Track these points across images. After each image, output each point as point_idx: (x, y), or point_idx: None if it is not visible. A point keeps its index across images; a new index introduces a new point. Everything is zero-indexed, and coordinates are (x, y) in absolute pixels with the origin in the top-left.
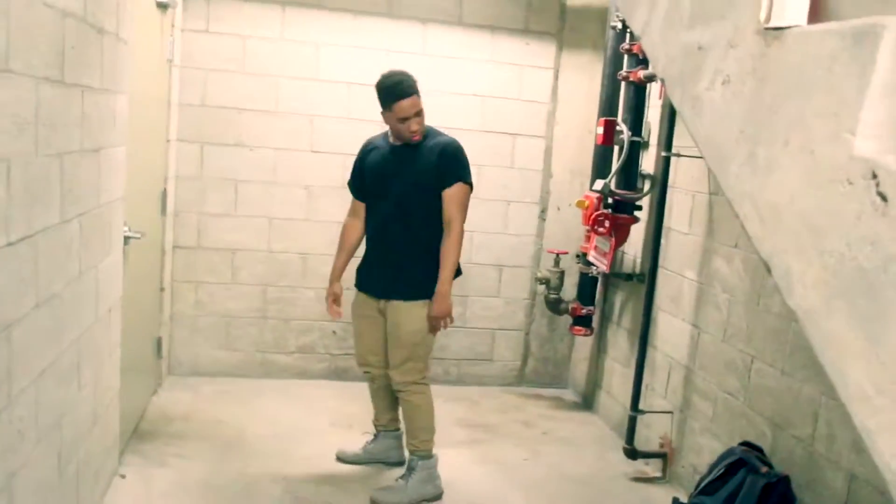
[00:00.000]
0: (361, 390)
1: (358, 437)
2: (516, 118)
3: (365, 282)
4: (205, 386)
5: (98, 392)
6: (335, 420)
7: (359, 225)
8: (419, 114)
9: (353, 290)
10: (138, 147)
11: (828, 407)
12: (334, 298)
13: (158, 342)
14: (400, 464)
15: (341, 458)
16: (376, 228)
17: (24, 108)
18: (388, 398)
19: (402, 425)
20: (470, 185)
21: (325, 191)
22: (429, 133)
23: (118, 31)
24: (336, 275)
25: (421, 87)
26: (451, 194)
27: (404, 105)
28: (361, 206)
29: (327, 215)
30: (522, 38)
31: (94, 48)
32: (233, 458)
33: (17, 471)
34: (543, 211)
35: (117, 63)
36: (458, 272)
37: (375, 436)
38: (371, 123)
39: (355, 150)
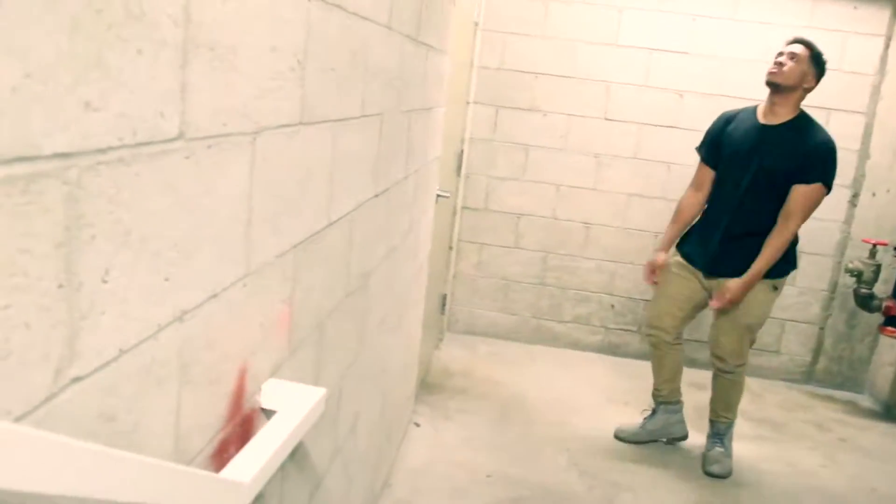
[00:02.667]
0: (636, 367)
1: (635, 416)
2: (833, 91)
3: (697, 254)
4: (480, 345)
5: (408, 343)
6: (611, 395)
7: (700, 199)
8: (794, 58)
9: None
10: (447, 108)
11: None
12: (654, 267)
13: (443, 299)
14: (682, 438)
15: (620, 436)
16: (725, 202)
17: (393, 65)
18: (673, 367)
19: (683, 397)
20: (829, 190)
21: (614, 160)
22: (806, 122)
23: None
24: (666, 245)
25: (728, 54)
26: (805, 191)
27: (789, 42)
28: (707, 177)
29: (615, 185)
30: (850, 2)
31: (436, 7)
32: (514, 420)
33: (360, 411)
34: (855, 196)
35: (447, 23)
36: (794, 264)
37: (654, 411)
38: (669, 93)
39: (651, 119)
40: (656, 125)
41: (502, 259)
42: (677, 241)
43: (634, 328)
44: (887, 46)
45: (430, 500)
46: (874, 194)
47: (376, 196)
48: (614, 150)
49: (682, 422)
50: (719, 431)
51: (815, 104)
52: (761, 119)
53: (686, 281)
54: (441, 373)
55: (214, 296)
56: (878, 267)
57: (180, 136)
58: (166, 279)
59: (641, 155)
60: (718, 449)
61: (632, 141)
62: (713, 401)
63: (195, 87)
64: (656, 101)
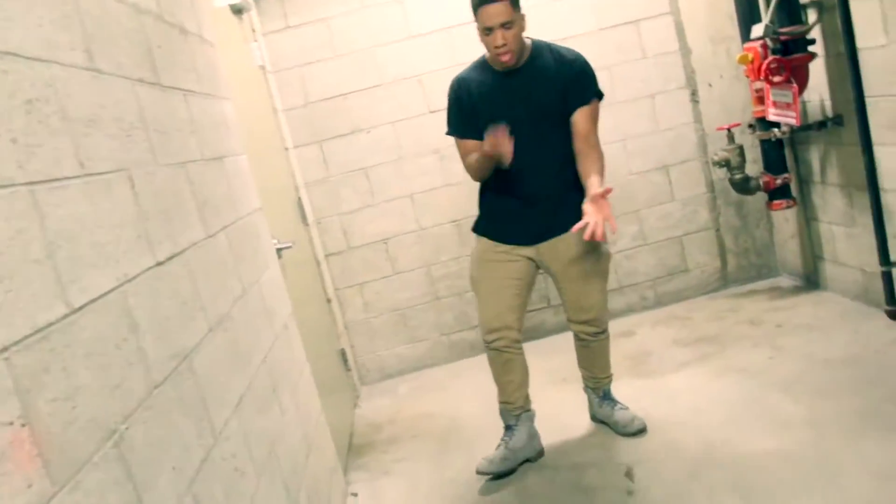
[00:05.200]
0: (557, 342)
1: (576, 390)
2: (625, 3)
3: (511, 231)
4: (400, 386)
5: (301, 415)
6: (546, 378)
7: None
8: (508, 25)
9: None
10: (261, 159)
11: None
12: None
13: (342, 354)
14: (540, 454)
15: (485, 471)
16: (519, 164)
17: (126, 112)
18: (523, 369)
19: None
20: (601, 97)
21: (456, 150)
22: (540, 49)
23: (201, 32)
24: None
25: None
26: (590, 111)
27: (489, 12)
28: (476, 147)
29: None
30: None
31: (182, 49)
32: (455, 447)
33: None
34: (694, 93)
35: (211, 66)
36: None
37: (509, 428)
38: None
39: None
40: None
41: (387, 290)
42: (478, 227)
43: (542, 305)
44: None
45: None
46: (710, 85)
47: (160, 264)
48: (451, 140)
49: (537, 432)
50: (608, 393)
51: (620, 21)
52: (501, 69)
53: (513, 264)
54: (368, 430)
55: None
56: (741, 149)
57: None
58: None
59: None
60: (621, 409)
61: None
62: (591, 368)
63: None
64: None
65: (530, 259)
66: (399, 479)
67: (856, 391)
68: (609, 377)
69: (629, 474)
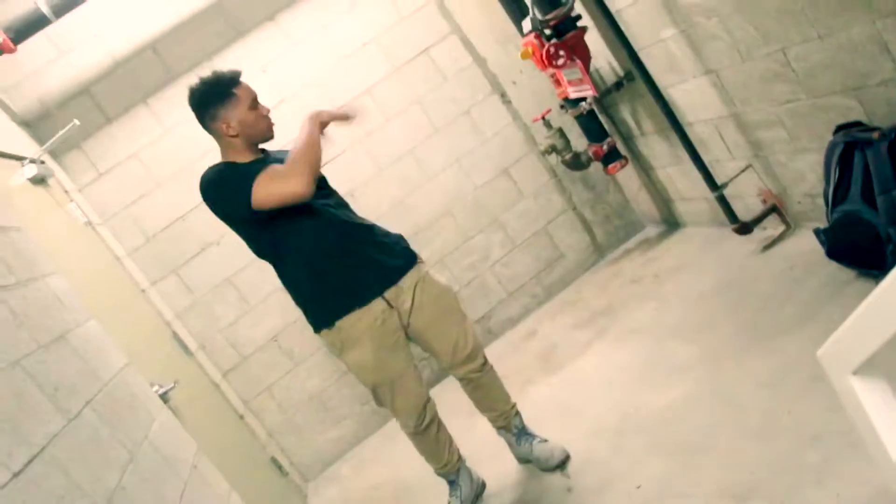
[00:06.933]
0: None
1: None
2: (409, 37)
3: (364, 289)
4: (343, 468)
5: None
6: (466, 409)
7: None
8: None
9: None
10: (118, 312)
11: (889, 28)
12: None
13: (275, 462)
14: (483, 487)
15: None
16: (335, 234)
17: None
18: (447, 431)
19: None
20: None
21: None
22: None
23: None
24: None
25: (307, 77)
26: None
27: (248, 85)
28: None
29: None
30: None
31: None
32: None
33: None
34: (503, 95)
35: (23, 251)
36: None
37: (453, 483)
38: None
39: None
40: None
41: (295, 384)
42: (322, 319)
43: None
44: None
45: None
46: (514, 82)
47: (18, 475)
48: None
49: (473, 470)
50: (519, 425)
51: (414, 54)
52: (251, 158)
53: (395, 338)
54: None
55: None
56: (561, 131)
57: None
58: None
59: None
60: (539, 442)
61: None
62: (493, 406)
63: None
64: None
65: (395, 315)
66: None
67: (732, 312)
68: (514, 406)
69: (563, 472)
